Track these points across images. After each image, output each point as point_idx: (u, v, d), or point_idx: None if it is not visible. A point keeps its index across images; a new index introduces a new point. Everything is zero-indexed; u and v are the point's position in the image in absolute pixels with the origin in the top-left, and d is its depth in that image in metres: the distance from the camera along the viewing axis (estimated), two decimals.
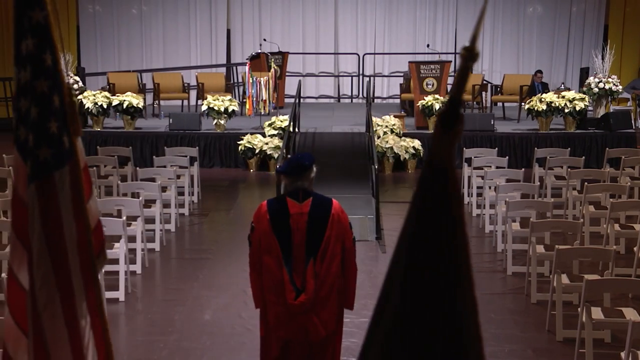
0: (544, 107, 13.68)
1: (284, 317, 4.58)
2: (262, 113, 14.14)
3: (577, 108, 13.67)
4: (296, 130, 13.90)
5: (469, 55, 1.41)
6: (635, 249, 7.59)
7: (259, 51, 15.42)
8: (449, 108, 1.44)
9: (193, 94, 16.57)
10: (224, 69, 18.62)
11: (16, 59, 2.10)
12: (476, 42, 1.42)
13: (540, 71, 16.97)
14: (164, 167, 10.54)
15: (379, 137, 13.29)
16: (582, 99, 13.80)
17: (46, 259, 2.05)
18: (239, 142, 13.30)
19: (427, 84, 14.25)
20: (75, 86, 14.04)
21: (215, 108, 13.59)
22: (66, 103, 2.10)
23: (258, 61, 14.77)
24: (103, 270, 6.76)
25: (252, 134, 13.46)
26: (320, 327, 4.60)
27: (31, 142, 2.09)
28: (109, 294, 7.06)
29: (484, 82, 16.49)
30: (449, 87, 16.08)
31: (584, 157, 11.31)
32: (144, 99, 14.86)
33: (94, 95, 13.83)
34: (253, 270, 4.71)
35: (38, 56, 2.07)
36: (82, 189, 2.15)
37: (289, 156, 4.65)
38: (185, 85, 16.41)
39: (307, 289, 4.55)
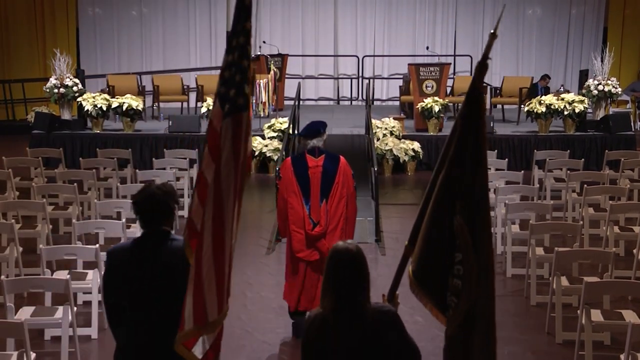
0: (544, 109, 13.68)
1: (304, 243, 6.13)
2: (262, 115, 14.14)
3: (577, 110, 13.68)
4: (295, 132, 13.89)
5: (492, 35, 2.87)
6: (634, 251, 7.59)
7: (259, 53, 15.42)
8: (483, 59, 2.91)
9: (193, 96, 16.57)
10: None
11: (228, 48, 3.49)
12: (497, 29, 2.87)
13: (548, 76, 16.94)
14: (164, 169, 10.53)
15: (378, 140, 13.29)
16: (582, 101, 13.80)
17: (231, 164, 3.42)
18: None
19: (426, 86, 14.25)
20: (75, 88, 14.05)
21: None
22: (251, 76, 3.49)
23: (257, 63, 14.77)
24: (103, 272, 6.76)
25: (251, 136, 13.44)
26: None
27: (232, 94, 3.45)
28: None
29: (484, 84, 16.47)
30: (448, 90, 16.12)
31: (583, 160, 11.31)
32: (144, 101, 14.88)
33: (94, 98, 13.82)
34: (279, 209, 6.28)
35: (244, 47, 3.43)
36: (250, 127, 3.58)
37: (307, 123, 6.52)
38: (185, 87, 16.41)
39: (320, 222, 6.13)
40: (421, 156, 13.38)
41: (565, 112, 13.70)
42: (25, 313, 5.87)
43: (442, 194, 3.06)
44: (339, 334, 3.24)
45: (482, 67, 2.91)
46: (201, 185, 3.60)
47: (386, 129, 13.62)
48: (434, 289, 3.13)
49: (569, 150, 12.09)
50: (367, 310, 3.27)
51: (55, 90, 13.98)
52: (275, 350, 6.24)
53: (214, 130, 3.56)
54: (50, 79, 14.18)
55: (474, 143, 2.97)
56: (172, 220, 3.86)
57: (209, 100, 13.85)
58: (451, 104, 15.56)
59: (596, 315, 5.82)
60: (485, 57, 2.89)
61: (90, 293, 6.58)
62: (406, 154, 13.17)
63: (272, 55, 16.27)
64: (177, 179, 10.14)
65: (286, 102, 16.91)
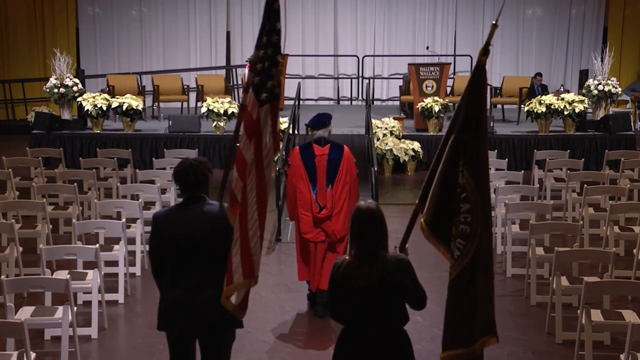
0: (544, 109, 13.68)
1: (311, 225, 6.66)
2: None
3: (577, 110, 13.68)
4: (296, 132, 13.90)
5: (494, 26, 3.50)
6: (634, 251, 7.59)
7: None
8: (485, 45, 3.47)
9: (193, 96, 16.57)
10: (223, 71, 18.61)
11: (259, 43, 4.25)
12: (498, 19, 3.49)
13: (540, 74, 16.97)
14: (164, 169, 10.53)
15: (378, 139, 13.29)
16: (582, 101, 13.80)
17: (272, 142, 4.35)
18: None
19: (426, 86, 14.25)
20: (75, 88, 14.05)
21: (215, 110, 13.59)
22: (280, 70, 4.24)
23: None
24: (102, 272, 6.77)
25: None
26: (335, 232, 6.65)
27: (270, 85, 4.20)
28: (108, 296, 7.05)
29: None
30: (448, 90, 16.12)
31: (583, 159, 11.31)
32: (144, 101, 14.87)
33: (94, 97, 13.82)
34: (288, 194, 6.84)
35: (277, 44, 4.20)
36: (278, 113, 4.33)
37: (314, 114, 7.05)
38: (185, 87, 16.40)
39: (327, 206, 6.68)
40: (421, 156, 13.37)
41: (565, 112, 13.69)
42: (25, 313, 5.87)
43: (451, 155, 3.61)
44: (362, 276, 3.84)
45: (485, 51, 3.48)
46: (240, 162, 4.27)
47: (386, 128, 13.62)
48: (445, 236, 3.72)
49: (569, 150, 12.10)
50: (385, 257, 3.86)
51: (55, 90, 13.98)
52: (275, 350, 6.24)
53: (249, 115, 4.25)
54: (50, 79, 14.18)
55: (477, 112, 3.54)
56: (208, 187, 4.39)
57: (209, 100, 13.84)
58: (451, 103, 15.55)
59: (596, 315, 5.82)
60: (488, 43, 3.45)
61: (90, 293, 6.58)
62: (406, 153, 13.17)
63: None
64: None
65: (286, 102, 16.90)
